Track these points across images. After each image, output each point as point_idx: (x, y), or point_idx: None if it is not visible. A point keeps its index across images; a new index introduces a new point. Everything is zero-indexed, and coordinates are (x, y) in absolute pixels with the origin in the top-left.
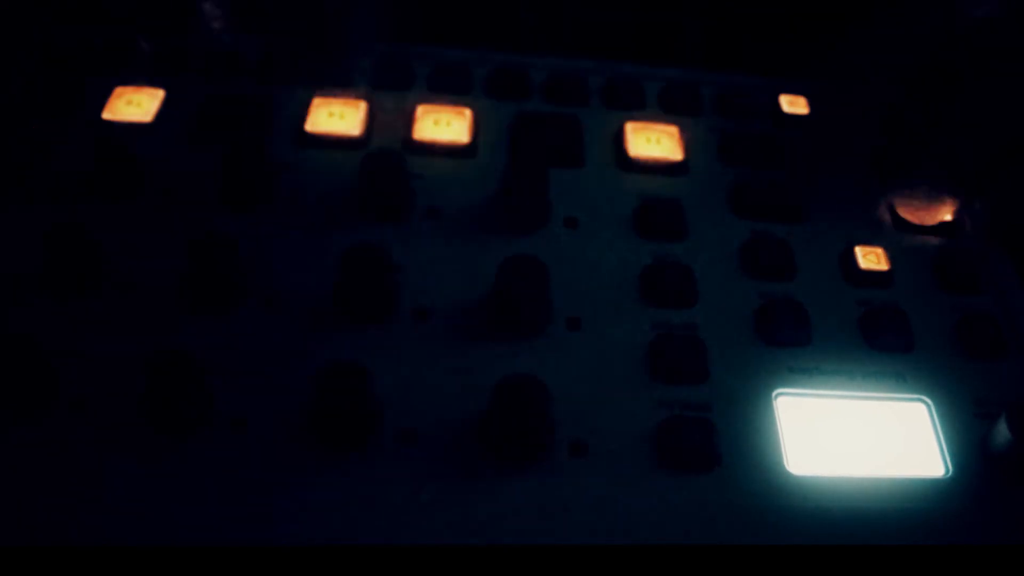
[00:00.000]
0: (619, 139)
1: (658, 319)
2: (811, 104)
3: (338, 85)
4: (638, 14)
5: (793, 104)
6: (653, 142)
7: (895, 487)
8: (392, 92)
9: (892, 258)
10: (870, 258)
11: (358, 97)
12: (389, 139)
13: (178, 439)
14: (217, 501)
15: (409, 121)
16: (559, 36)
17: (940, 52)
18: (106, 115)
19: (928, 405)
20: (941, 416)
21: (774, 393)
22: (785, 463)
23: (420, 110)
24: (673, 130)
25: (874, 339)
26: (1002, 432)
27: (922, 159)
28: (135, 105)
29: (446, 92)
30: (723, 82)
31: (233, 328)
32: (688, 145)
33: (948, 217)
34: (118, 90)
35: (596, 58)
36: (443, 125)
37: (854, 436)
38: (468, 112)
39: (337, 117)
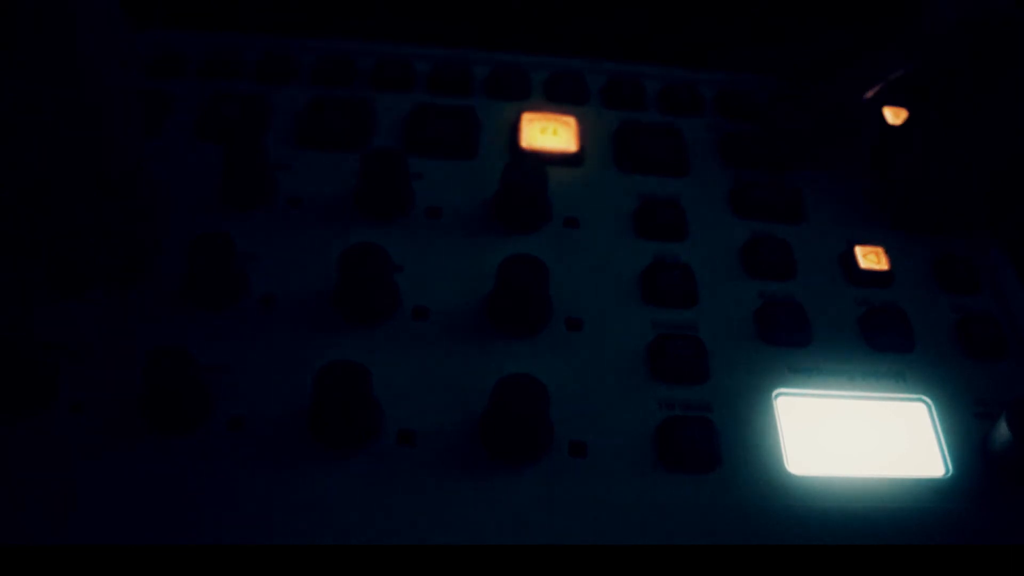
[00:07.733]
0: (619, 139)
1: (658, 319)
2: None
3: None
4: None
5: None
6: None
7: (895, 487)
8: (391, 92)
9: (892, 258)
10: (870, 258)
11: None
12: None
13: (178, 439)
14: (216, 501)
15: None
16: (558, 36)
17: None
18: None
19: (928, 405)
20: (941, 416)
21: (774, 393)
22: (785, 463)
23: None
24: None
25: (874, 339)
26: (1002, 432)
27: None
28: None
29: (445, 93)
30: (723, 82)
31: (232, 328)
32: (690, 145)
33: None
34: None
35: (593, 57)
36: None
37: (854, 436)
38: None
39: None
